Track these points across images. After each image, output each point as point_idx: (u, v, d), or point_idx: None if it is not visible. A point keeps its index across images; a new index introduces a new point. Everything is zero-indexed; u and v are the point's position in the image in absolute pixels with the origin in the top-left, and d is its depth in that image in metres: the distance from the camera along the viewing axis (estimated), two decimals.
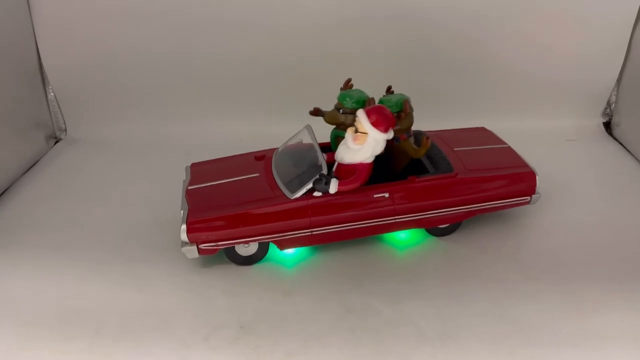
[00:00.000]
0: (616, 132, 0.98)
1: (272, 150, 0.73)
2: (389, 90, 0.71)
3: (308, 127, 0.68)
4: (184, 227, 0.61)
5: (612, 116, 1.00)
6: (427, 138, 0.64)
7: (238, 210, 0.62)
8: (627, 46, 0.95)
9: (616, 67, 0.97)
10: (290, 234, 0.63)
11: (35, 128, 0.95)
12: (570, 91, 0.99)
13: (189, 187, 0.68)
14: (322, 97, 0.73)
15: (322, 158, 0.63)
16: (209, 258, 0.67)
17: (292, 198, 0.62)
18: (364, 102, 0.66)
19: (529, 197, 0.69)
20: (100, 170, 0.90)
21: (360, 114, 0.61)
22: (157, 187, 0.83)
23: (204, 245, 0.62)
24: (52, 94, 0.99)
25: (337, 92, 0.69)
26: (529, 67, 0.98)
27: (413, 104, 0.68)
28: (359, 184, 0.62)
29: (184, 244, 0.62)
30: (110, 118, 1.00)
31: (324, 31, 0.95)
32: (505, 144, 0.77)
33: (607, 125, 1.01)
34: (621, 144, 0.95)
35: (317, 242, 0.65)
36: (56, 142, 1.00)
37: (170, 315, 0.59)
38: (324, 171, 0.62)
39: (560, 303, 0.60)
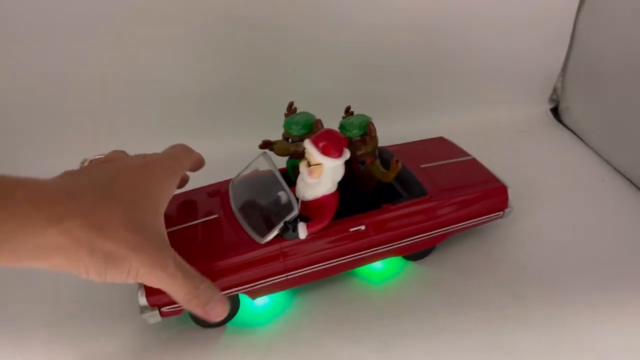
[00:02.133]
0: (566, 118, 0.98)
1: (226, 182, 0.64)
2: (347, 111, 0.66)
3: (265, 155, 0.60)
4: (142, 290, 0.53)
5: (558, 102, 1.00)
6: (397, 161, 0.59)
7: (202, 263, 0.53)
8: (571, 31, 0.93)
9: (561, 53, 0.96)
10: (263, 282, 0.56)
11: None
12: (516, 80, 0.98)
13: None
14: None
15: (290, 195, 0.56)
16: (171, 326, 0.58)
17: (263, 242, 0.55)
18: (311, 126, 0.61)
19: (502, 212, 0.67)
20: None
21: (308, 145, 0.55)
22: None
23: (166, 307, 0.54)
24: None
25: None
26: (473, 62, 0.95)
27: (364, 111, 0.63)
28: (328, 220, 0.56)
29: (143, 309, 0.53)
30: (42, 153, 0.85)
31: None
32: (469, 155, 0.74)
33: (555, 112, 1.00)
34: (572, 131, 0.95)
35: (292, 286, 0.58)
36: None
37: None
38: (296, 210, 0.54)
39: (553, 326, 0.58)
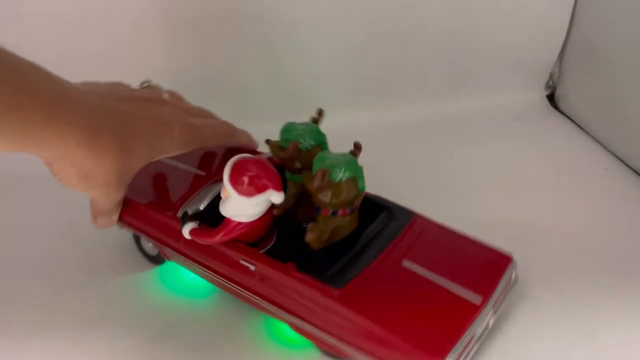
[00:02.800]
0: (562, 105, 0.95)
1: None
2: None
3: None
4: None
5: (555, 88, 0.97)
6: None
7: (141, 204, 0.58)
8: (569, 16, 0.91)
9: (559, 38, 0.93)
10: (167, 248, 0.57)
11: None
12: (511, 66, 0.95)
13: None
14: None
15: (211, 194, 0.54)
16: (156, 336, 0.54)
17: (176, 214, 0.55)
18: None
19: None
20: None
21: (227, 165, 0.48)
22: (49, 240, 0.68)
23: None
24: None
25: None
26: (468, 47, 0.92)
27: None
28: (212, 240, 0.51)
29: None
30: None
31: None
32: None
33: (551, 98, 0.98)
34: (569, 117, 0.92)
35: (197, 274, 0.57)
36: None
37: None
38: (199, 208, 0.55)
39: (554, 312, 0.55)
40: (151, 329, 0.55)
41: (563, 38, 0.93)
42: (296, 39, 0.86)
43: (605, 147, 0.83)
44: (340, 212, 0.49)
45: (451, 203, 0.67)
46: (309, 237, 0.48)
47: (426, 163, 0.81)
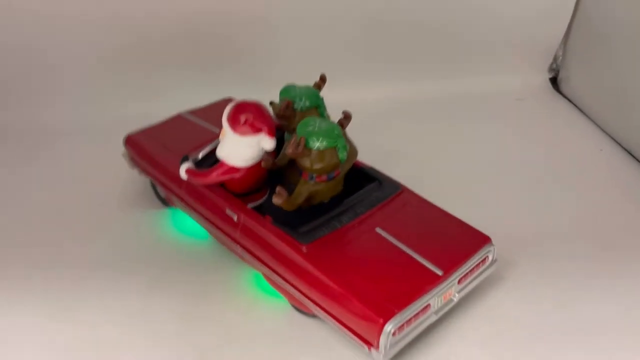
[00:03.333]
0: (564, 88, 0.96)
1: None
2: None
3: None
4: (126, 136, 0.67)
5: (558, 71, 0.98)
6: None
7: (155, 149, 0.63)
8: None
9: (564, 21, 0.93)
10: (169, 192, 0.62)
11: None
12: (516, 47, 0.95)
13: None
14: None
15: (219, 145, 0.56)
16: (153, 272, 0.58)
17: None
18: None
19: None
20: (5, 163, 0.76)
21: (229, 105, 0.53)
22: (77, 182, 0.72)
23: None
24: None
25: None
26: (473, 26, 0.92)
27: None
28: (205, 180, 0.55)
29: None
30: (12, 101, 0.84)
31: None
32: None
33: (554, 81, 0.98)
34: (570, 100, 0.93)
35: (193, 218, 0.60)
36: None
37: (114, 349, 0.50)
38: (198, 155, 0.58)
39: (543, 289, 0.57)
40: (153, 269, 0.59)
41: (568, 21, 0.93)
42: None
43: (602, 129, 0.84)
44: (318, 177, 0.51)
45: (445, 179, 0.71)
46: (275, 200, 0.50)
47: (425, 140, 0.82)
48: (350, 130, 0.55)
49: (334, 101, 0.61)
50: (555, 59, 0.97)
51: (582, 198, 0.70)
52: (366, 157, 0.59)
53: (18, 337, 0.51)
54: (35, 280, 0.57)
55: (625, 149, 0.79)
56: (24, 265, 0.59)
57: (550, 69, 0.98)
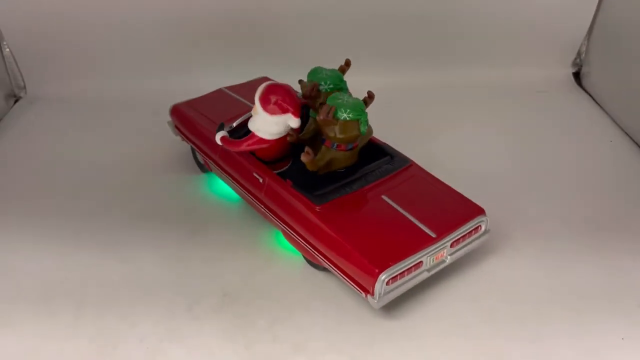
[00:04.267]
0: (585, 82, 0.99)
1: None
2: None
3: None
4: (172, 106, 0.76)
5: (581, 66, 1.01)
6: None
7: (198, 119, 0.72)
8: None
9: (588, 16, 0.96)
10: (206, 157, 0.71)
11: None
12: (540, 41, 0.99)
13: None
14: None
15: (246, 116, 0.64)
16: (189, 227, 0.67)
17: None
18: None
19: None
20: (66, 129, 0.87)
21: (261, 86, 0.60)
22: (127, 147, 0.82)
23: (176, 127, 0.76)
24: (8, 49, 0.94)
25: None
26: (498, 16, 0.96)
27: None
28: (237, 148, 0.63)
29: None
30: (72, 74, 0.96)
31: None
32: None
33: (577, 76, 1.01)
34: (590, 95, 0.96)
35: (225, 181, 0.69)
36: (16, 101, 0.95)
37: (152, 285, 0.59)
38: (232, 124, 0.65)
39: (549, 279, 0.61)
40: (190, 224, 0.68)
41: (591, 17, 0.96)
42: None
43: (618, 125, 0.87)
44: (339, 146, 0.58)
45: (461, 161, 0.78)
46: (303, 158, 0.57)
47: (446, 124, 0.88)
48: (373, 110, 0.62)
49: (357, 85, 0.67)
50: (579, 54, 1.00)
51: (588, 185, 0.75)
52: (386, 137, 0.67)
53: (82, 273, 0.61)
54: (93, 226, 0.67)
55: (637, 144, 0.83)
56: (80, 214, 0.69)
57: (574, 64, 1.01)
